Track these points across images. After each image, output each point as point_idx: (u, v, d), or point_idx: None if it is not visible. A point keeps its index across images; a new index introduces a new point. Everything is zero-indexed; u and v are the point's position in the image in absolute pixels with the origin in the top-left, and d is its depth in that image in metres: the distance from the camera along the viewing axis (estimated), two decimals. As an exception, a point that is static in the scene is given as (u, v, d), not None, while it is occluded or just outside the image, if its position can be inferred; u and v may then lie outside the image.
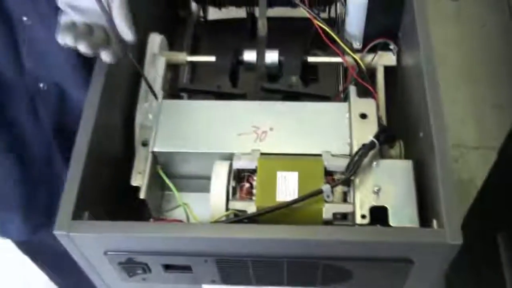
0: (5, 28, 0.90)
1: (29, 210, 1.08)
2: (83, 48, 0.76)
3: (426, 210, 0.79)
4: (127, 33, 0.79)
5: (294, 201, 0.79)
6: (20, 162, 1.03)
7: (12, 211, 1.08)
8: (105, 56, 0.79)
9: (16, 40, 0.91)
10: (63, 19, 0.79)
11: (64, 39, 0.76)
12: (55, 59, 0.77)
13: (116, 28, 0.79)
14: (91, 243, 0.76)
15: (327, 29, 1.01)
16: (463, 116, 2.06)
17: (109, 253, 0.77)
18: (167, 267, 0.79)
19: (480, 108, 2.09)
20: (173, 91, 1.03)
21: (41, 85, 0.97)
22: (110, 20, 0.78)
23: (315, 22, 1.03)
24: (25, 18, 0.88)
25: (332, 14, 1.21)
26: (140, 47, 0.98)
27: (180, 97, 1.04)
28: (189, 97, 1.04)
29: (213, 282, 0.83)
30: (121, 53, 0.80)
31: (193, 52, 1.18)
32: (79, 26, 0.78)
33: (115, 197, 0.87)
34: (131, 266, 0.79)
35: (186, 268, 0.79)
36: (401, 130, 0.91)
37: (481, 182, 1.39)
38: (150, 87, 0.90)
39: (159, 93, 0.95)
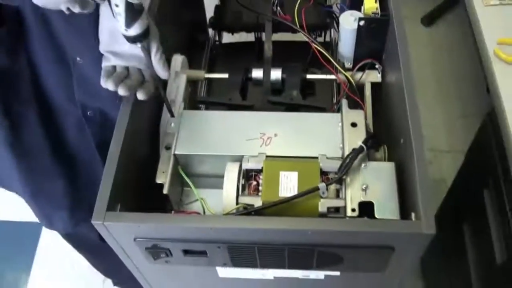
0: (63, 67, 0.91)
1: (75, 208, 1.08)
2: (122, 91, 0.78)
3: (405, 204, 0.78)
4: (163, 73, 0.82)
5: (294, 197, 0.78)
6: (69, 169, 1.03)
7: (61, 209, 1.08)
8: (141, 95, 0.81)
9: (70, 76, 0.93)
10: (105, 64, 0.80)
11: (107, 84, 0.78)
12: (100, 91, 0.79)
13: (153, 69, 0.81)
14: (122, 231, 0.75)
15: (323, 51, 1.01)
16: (436, 125, 2.05)
17: (137, 239, 0.76)
18: (186, 252, 0.79)
19: (450, 118, 2.08)
20: (193, 103, 1.03)
21: (89, 112, 0.98)
22: (150, 63, 0.80)
23: (313, 45, 1.03)
24: (78, 59, 0.88)
25: (327, 39, 1.20)
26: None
27: (198, 108, 1.03)
28: (206, 108, 1.03)
29: (224, 265, 0.83)
30: (153, 89, 0.82)
31: (210, 70, 1.18)
32: (119, 71, 0.80)
33: (142, 192, 0.86)
34: (156, 251, 0.78)
35: (202, 253, 0.79)
36: (385, 137, 0.90)
37: (451, 181, 1.38)
38: (169, 109, 0.90)
39: (180, 105, 0.94)
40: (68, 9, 0.71)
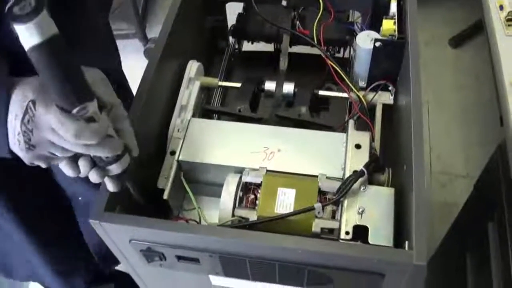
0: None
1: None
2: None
3: (401, 232, 0.77)
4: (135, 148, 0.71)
5: (289, 214, 0.78)
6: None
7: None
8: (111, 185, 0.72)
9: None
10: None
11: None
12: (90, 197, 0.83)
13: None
14: (118, 232, 0.76)
15: (337, 69, 1.00)
16: (455, 149, 2.01)
17: (132, 241, 0.77)
18: (180, 257, 0.79)
19: (469, 143, 2.04)
20: (205, 111, 1.03)
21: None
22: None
23: (328, 61, 1.02)
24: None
25: (346, 55, 1.19)
26: (180, 71, 0.98)
27: (210, 117, 1.03)
28: (218, 118, 1.04)
29: (217, 273, 0.83)
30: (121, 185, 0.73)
31: (227, 77, 1.17)
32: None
33: (144, 196, 0.86)
34: (150, 253, 0.79)
35: (195, 260, 0.79)
36: (391, 160, 0.89)
37: (463, 206, 1.36)
38: None
39: (190, 111, 0.94)
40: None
